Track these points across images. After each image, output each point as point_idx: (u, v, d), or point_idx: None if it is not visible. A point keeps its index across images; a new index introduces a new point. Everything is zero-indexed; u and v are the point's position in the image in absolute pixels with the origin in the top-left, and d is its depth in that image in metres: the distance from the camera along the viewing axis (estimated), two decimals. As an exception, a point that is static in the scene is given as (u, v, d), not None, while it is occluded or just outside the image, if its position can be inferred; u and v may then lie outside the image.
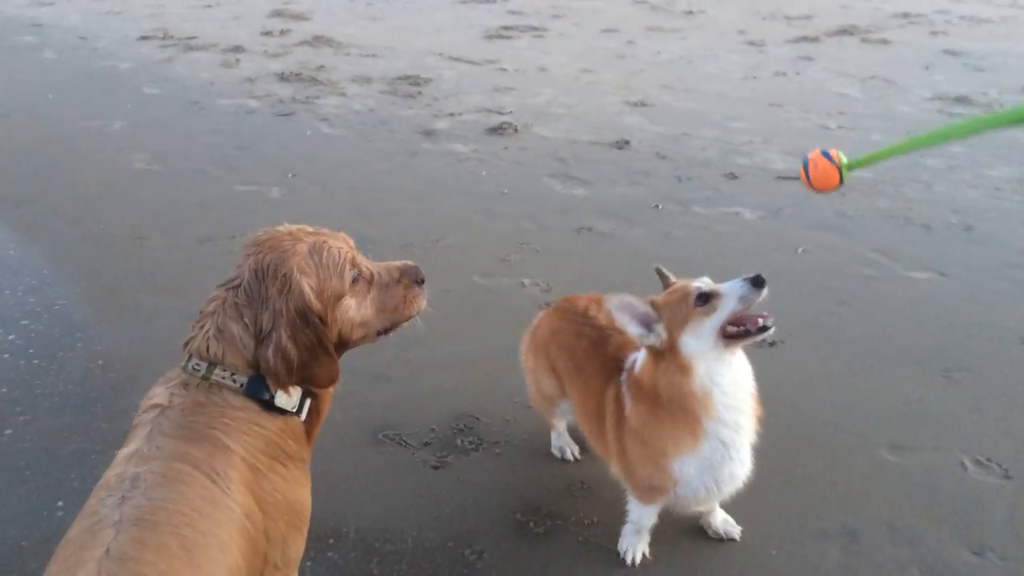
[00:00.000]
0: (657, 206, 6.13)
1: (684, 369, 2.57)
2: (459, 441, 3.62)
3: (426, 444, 3.60)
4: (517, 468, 3.47)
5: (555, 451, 3.55)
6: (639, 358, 2.79)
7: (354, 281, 2.23)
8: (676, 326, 2.57)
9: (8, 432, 3.69)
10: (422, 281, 2.35)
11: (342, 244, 2.25)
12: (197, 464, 1.95)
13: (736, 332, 2.54)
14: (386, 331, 2.37)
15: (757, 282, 2.49)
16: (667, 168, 6.86)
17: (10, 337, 4.43)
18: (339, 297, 2.20)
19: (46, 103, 8.61)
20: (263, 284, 2.12)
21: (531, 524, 3.16)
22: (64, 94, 8.89)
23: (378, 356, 3.98)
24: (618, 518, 3.05)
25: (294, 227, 2.26)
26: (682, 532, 3.10)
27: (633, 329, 2.61)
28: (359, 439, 3.62)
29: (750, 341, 2.58)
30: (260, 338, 2.11)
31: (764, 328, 2.52)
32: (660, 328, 2.59)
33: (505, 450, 3.58)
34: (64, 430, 3.69)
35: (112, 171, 6.81)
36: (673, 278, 2.79)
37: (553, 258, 5.33)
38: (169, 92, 8.98)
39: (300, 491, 2.19)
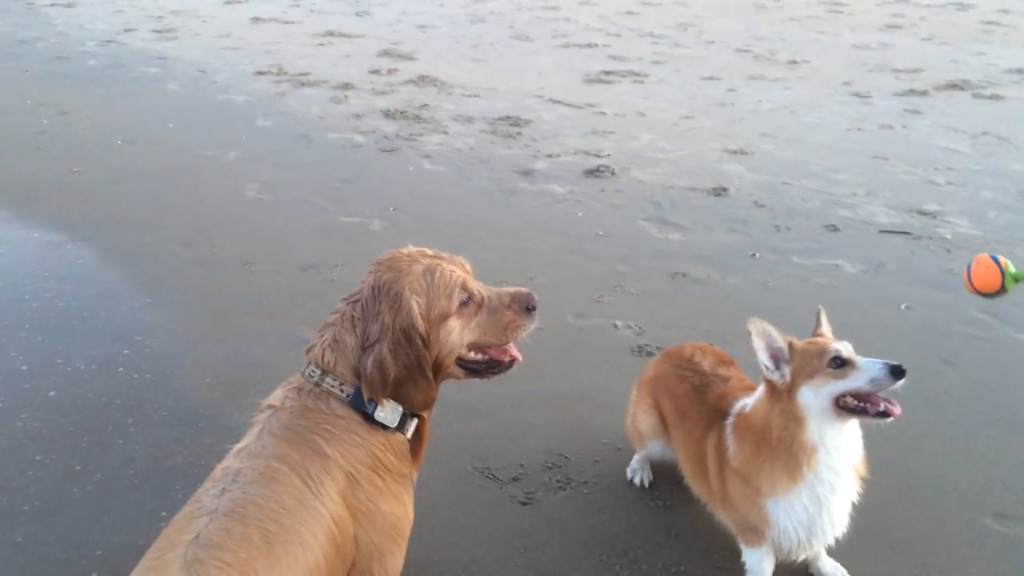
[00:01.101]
0: (754, 255, 6.07)
1: (798, 419, 2.60)
2: (547, 478, 3.64)
3: (515, 479, 3.63)
4: (604, 510, 3.47)
5: (629, 471, 3.60)
6: (753, 397, 2.82)
7: (463, 304, 2.31)
8: (801, 375, 2.60)
9: (119, 442, 3.88)
10: (532, 309, 2.40)
11: (456, 268, 2.35)
12: (293, 466, 2.07)
13: (853, 406, 2.56)
14: (479, 373, 2.43)
15: (896, 371, 2.49)
16: (766, 217, 6.79)
17: (124, 351, 4.66)
18: (445, 318, 2.28)
19: (167, 132, 9.08)
20: (377, 300, 2.23)
21: (617, 567, 3.15)
22: (184, 124, 9.36)
23: (470, 390, 4.04)
24: (705, 568, 3.01)
25: (415, 249, 2.38)
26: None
27: (763, 358, 2.66)
28: (449, 470, 3.68)
29: (863, 420, 2.60)
30: (365, 348, 2.22)
31: (883, 414, 2.54)
32: (787, 369, 2.63)
33: (593, 490, 3.58)
34: (171, 443, 3.86)
35: (225, 198, 7.13)
36: (825, 326, 2.82)
37: (647, 302, 5.33)
38: (281, 125, 9.36)
39: (396, 505, 2.26)
